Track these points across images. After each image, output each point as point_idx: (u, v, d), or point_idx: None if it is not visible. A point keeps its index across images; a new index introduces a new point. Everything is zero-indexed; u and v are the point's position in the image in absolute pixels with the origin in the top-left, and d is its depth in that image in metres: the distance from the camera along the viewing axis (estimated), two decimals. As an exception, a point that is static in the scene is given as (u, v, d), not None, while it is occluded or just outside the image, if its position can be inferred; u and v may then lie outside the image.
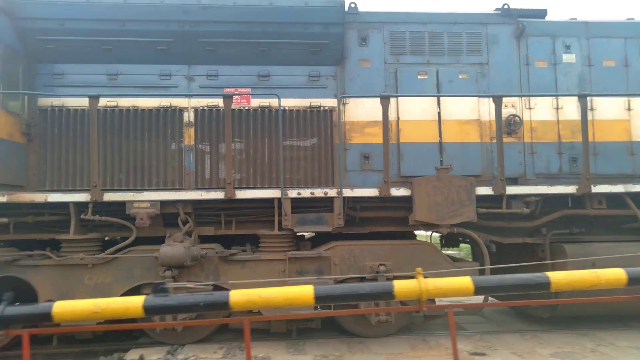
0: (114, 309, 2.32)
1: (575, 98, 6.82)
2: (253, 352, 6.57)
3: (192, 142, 6.52)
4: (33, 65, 6.93)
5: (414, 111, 6.84)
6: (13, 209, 6.37)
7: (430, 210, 6.32)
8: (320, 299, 3.15)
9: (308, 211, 6.57)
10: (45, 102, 6.69)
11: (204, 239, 7.09)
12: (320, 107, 6.94)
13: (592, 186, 6.65)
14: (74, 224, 6.54)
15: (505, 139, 6.85)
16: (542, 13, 7.99)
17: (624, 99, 7.43)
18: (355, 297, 3.32)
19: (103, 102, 6.69)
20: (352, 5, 7.24)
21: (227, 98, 6.19)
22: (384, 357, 6.27)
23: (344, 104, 7.05)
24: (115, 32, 6.79)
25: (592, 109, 7.14)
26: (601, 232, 7.15)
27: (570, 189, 6.71)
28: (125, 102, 6.84)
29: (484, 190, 6.58)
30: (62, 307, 2.38)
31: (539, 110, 7.25)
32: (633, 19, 7.88)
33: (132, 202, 6.43)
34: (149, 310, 2.46)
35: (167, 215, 6.74)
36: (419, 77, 7.16)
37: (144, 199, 6.38)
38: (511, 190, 6.59)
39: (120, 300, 2.46)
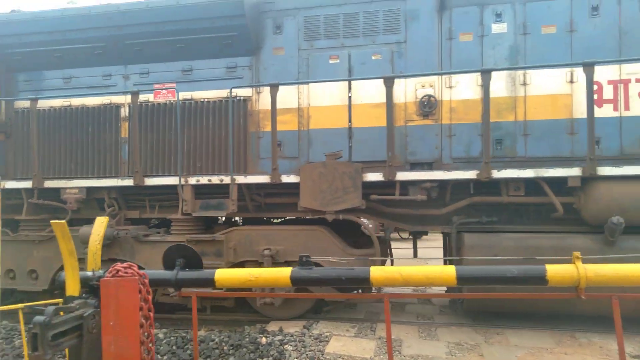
0: (266, 278, 2.62)
1: (506, 73, 6.48)
2: (383, 334, 6.37)
3: (127, 135, 7.40)
4: (10, 75, 7.92)
5: (324, 97, 6.92)
6: None
7: (315, 196, 6.42)
8: (463, 280, 3.11)
9: (226, 197, 7.05)
10: (19, 104, 7.68)
11: (136, 222, 7.52)
12: (236, 97, 7.19)
13: (495, 171, 6.20)
14: (25, 207, 7.52)
15: (421, 121, 6.62)
16: None
17: (566, 70, 6.48)
18: (501, 280, 3.15)
19: (59, 102, 7.59)
20: None
21: (134, 94, 6.68)
22: (525, 352, 5.70)
23: (259, 92, 7.23)
24: (62, 42, 7.61)
25: (524, 84, 6.50)
26: (535, 222, 6.57)
27: (470, 174, 6.23)
28: (76, 102, 7.65)
29: (374, 177, 6.48)
30: (223, 274, 2.72)
31: (461, 89, 6.74)
32: None
33: (65, 188, 7.24)
34: (295, 281, 2.69)
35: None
36: (331, 61, 7.05)
37: (73, 186, 7.22)
38: (403, 176, 6.36)
39: (272, 270, 2.79)
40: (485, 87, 5.89)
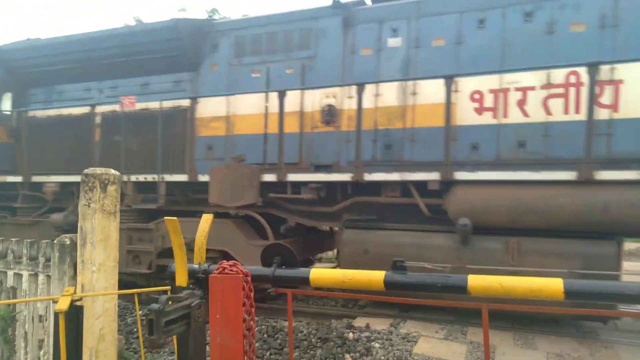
0: (359, 280, 2.57)
1: (398, 84, 6.84)
2: (475, 339, 5.93)
3: (99, 139, 9.36)
4: (23, 90, 10.21)
5: (245, 106, 7.89)
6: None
7: (220, 194, 7.52)
8: (571, 295, 2.71)
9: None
10: (29, 113, 9.89)
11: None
12: (179, 107, 8.50)
13: (367, 174, 6.73)
14: (20, 196, 9.40)
15: (324, 128, 7.29)
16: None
17: (450, 81, 6.81)
18: (619, 297, 2.80)
19: (55, 112, 9.37)
20: (209, 17, 10.24)
21: (92, 106, 8.89)
22: (643, 371, 8.20)
23: (196, 103, 8.40)
24: (54, 63, 9.58)
25: (414, 93, 6.73)
26: (415, 220, 6.88)
27: (346, 177, 6.84)
28: (64, 112, 9.38)
29: (269, 177, 7.37)
30: (317, 274, 2.72)
31: (357, 99, 7.47)
32: None
33: (45, 183, 9.00)
34: (388, 285, 2.59)
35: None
36: (253, 75, 8.16)
37: (50, 180, 8.96)
38: (293, 177, 7.18)
39: (365, 273, 2.66)
40: (359, 98, 6.54)
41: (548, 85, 5.89)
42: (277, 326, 6.59)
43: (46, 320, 3.67)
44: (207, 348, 3.28)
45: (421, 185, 6.32)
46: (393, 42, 7.17)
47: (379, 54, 7.39)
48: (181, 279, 2.92)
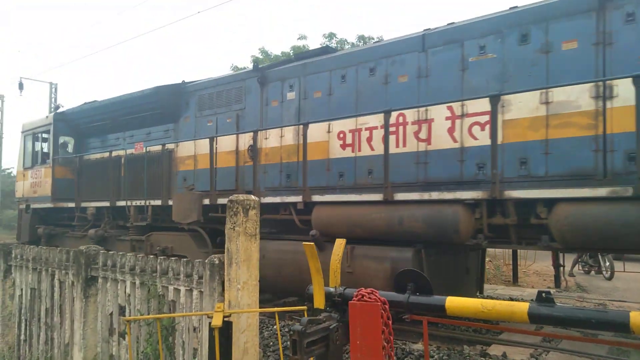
0: (499, 311, 2.70)
1: (293, 127, 8.25)
2: None
3: (124, 174, 10.89)
4: (82, 139, 12.69)
5: (202, 147, 9.52)
6: (59, 210, 12.18)
7: (177, 214, 9.06)
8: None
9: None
10: (84, 157, 12.01)
11: (121, 227, 11.20)
12: (166, 149, 10.15)
13: (267, 198, 8.16)
14: (75, 217, 11.88)
15: (250, 163, 8.80)
16: (280, 64, 9.74)
17: (326, 124, 7.85)
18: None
19: (97, 155, 11.77)
20: (183, 81, 10.69)
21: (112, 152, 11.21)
22: None
23: (177, 145, 10.23)
24: (96, 120, 12.02)
25: (305, 135, 7.86)
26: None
27: (224, 201, 8.40)
28: (101, 155, 11.68)
29: (206, 201, 8.96)
30: (454, 303, 2.85)
31: (271, 139, 8.72)
32: (337, 48, 9.54)
33: (87, 207, 11.43)
34: (533, 318, 2.70)
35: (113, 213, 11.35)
36: (208, 124, 10.05)
37: (91, 205, 11.36)
38: (221, 201, 8.69)
39: (506, 304, 2.81)
40: (254, 139, 8.48)
41: (384, 125, 6.84)
42: (406, 349, 6.14)
43: (199, 331, 3.78)
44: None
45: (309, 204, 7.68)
46: (290, 95, 8.87)
47: (282, 104, 8.98)
48: (319, 302, 3.02)
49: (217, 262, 3.96)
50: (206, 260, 4.03)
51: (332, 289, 3.10)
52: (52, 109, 18.96)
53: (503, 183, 5.97)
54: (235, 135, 9.33)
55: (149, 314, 4.24)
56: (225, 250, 3.84)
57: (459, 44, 6.72)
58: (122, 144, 11.87)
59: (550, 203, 5.62)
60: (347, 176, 7.68)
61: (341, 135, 7.79)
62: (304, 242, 3.08)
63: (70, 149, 12.72)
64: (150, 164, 10.59)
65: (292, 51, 22.58)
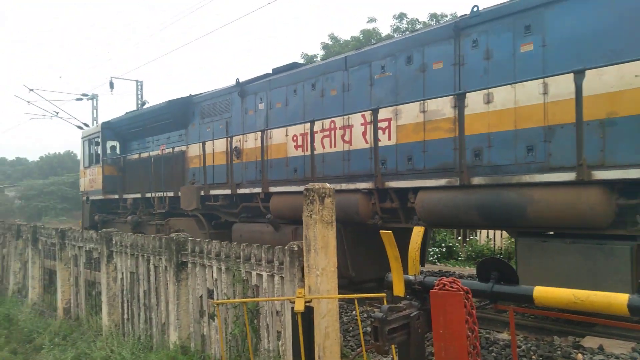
0: (593, 301, 2.71)
1: (260, 132, 10.44)
2: None
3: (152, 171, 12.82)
4: (125, 143, 15.20)
5: (207, 149, 11.94)
6: (109, 201, 14.20)
7: (184, 202, 11.53)
8: None
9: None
10: (127, 157, 14.05)
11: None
12: (181, 150, 12.56)
13: (242, 189, 10.67)
14: (120, 206, 14.33)
15: (237, 161, 11.19)
16: (254, 80, 11.69)
17: (284, 129, 9.89)
18: None
19: (134, 156, 14.06)
20: (190, 94, 13.54)
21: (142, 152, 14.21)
22: None
23: (187, 147, 12.76)
24: (133, 127, 14.36)
25: (270, 138, 10.50)
26: None
27: (227, 191, 11.30)
28: (135, 156, 13.97)
29: (202, 192, 11.68)
30: (543, 292, 2.85)
31: (249, 142, 10.85)
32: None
33: (127, 198, 13.99)
34: (634, 310, 2.62)
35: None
36: (207, 130, 12.69)
37: (129, 197, 14.06)
38: (213, 192, 11.39)
39: (600, 294, 2.73)
40: (230, 148, 11.17)
41: (322, 130, 8.65)
42: (491, 338, 5.78)
43: (282, 315, 3.72)
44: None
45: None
46: (260, 106, 10.97)
47: (256, 113, 11.09)
48: (398, 289, 3.14)
49: (296, 249, 4.01)
50: (286, 247, 4.12)
51: (411, 277, 3.05)
52: (139, 105, 19.68)
53: (394, 175, 7.39)
54: (225, 139, 11.18)
55: (234, 298, 4.48)
56: (304, 237, 3.88)
57: (368, 64, 8.09)
58: (152, 147, 13.90)
59: (416, 191, 6.77)
60: (299, 171, 9.25)
61: (294, 138, 9.41)
62: (381, 231, 3.07)
63: (117, 151, 14.91)
64: (168, 163, 12.64)
65: (361, 35, 22.23)
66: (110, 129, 15.19)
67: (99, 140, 15.10)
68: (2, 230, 9.22)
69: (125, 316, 5.08)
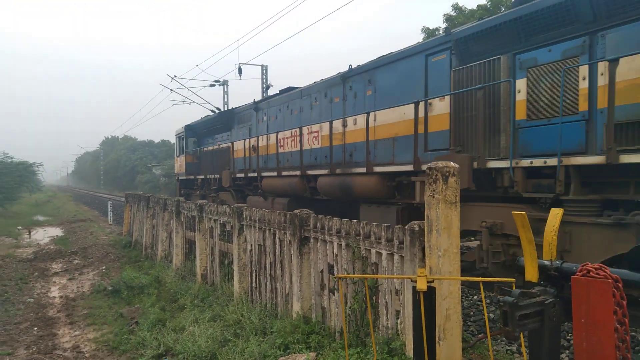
0: None
1: (265, 136, 14.43)
2: None
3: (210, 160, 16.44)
4: (201, 139, 20.19)
5: (237, 147, 16.02)
6: (190, 180, 19.63)
7: (224, 181, 16.04)
8: None
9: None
10: (203, 149, 18.36)
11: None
12: (228, 146, 15.37)
13: (236, 174, 16.22)
14: (195, 184, 19.59)
15: (254, 154, 14.75)
16: (263, 100, 15.91)
17: (274, 134, 13.43)
18: None
19: (208, 148, 18.42)
20: (233, 107, 17.30)
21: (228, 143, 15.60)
22: None
23: (232, 144, 15.63)
24: (205, 127, 18.66)
25: (268, 139, 14.57)
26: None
27: (254, 174, 15.10)
28: (210, 148, 17.74)
29: (232, 175, 16.42)
30: None
31: (258, 142, 14.67)
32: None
33: (199, 178, 19.44)
34: None
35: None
36: (240, 133, 16.24)
37: (199, 177, 19.09)
38: (238, 174, 15.91)
39: None
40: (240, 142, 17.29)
41: (292, 136, 11.75)
42: (637, 337, 5.14)
43: (401, 294, 3.67)
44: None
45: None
46: (264, 118, 14.22)
47: (263, 123, 14.17)
48: (531, 275, 2.91)
49: (417, 228, 3.90)
50: (406, 227, 4.08)
51: (546, 262, 2.80)
52: (264, 89, 22.83)
53: (312, 166, 11.13)
54: (243, 140, 15.22)
55: (354, 274, 4.58)
56: (425, 217, 3.76)
57: (309, 95, 11.51)
58: (215, 142, 17.38)
59: (317, 177, 9.90)
60: (282, 163, 12.06)
61: (280, 141, 12.16)
62: (513, 212, 2.85)
63: (198, 145, 19.11)
64: (220, 154, 16.25)
65: (489, 3, 20.58)
66: (190, 129, 19.72)
67: (184, 137, 19.74)
68: (153, 203, 10.53)
69: (254, 285, 5.48)
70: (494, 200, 6.62)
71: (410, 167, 7.49)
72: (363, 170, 8.62)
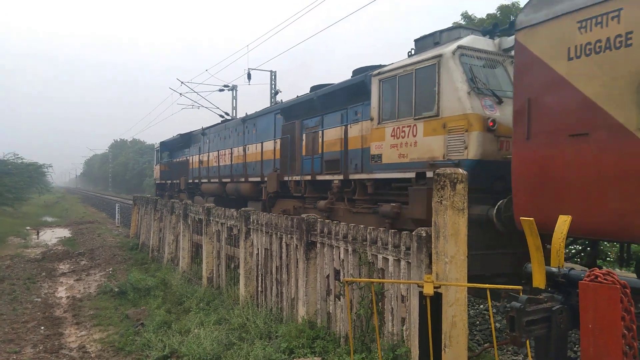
0: None
1: (243, 146, 15.91)
2: None
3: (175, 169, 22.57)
4: (172, 153, 24.00)
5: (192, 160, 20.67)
6: (163, 184, 24.03)
7: (181, 186, 20.80)
8: None
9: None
10: (171, 161, 23.83)
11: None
12: (186, 159, 19.25)
13: (249, 178, 15.82)
14: (166, 187, 24.24)
15: (197, 166, 19.61)
16: (212, 126, 19.40)
17: (229, 149, 17.02)
18: None
19: (174, 160, 23.13)
20: (190, 130, 21.29)
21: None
22: None
23: (188, 158, 18.98)
24: (175, 144, 23.59)
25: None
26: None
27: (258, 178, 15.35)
28: (175, 160, 23.44)
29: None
30: None
31: (204, 158, 18.52)
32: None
33: (168, 183, 24.29)
34: None
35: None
36: (194, 151, 19.91)
37: (168, 182, 23.55)
38: (189, 180, 21.01)
39: None
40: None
41: (217, 156, 16.28)
42: None
43: (407, 300, 3.60)
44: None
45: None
46: (207, 141, 18.11)
47: (207, 144, 17.75)
48: (539, 281, 2.89)
49: (424, 234, 3.89)
50: (413, 233, 4.09)
51: (554, 269, 2.80)
52: (273, 94, 23.60)
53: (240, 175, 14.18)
54: (189, 157, 19.59)
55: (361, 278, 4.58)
56: (433, 223, 3.76)
57: (229, 128, 15.89)
58: (181, 156, 20.96)
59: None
60: (212, 173, 16.04)
61: (213, 158, 16.46)
62: (521, 218, 2.85)
63: (170, 157, 23.07)
64: (182, 165, 20.64)
65: (499, 12, 20.59)
66: (164, 145, 23.63)
67: (159, 150, 24.30)
68: (161, 206, 10.61)
69: (259, 289, 5.48)
70: (289, 197, 11.24)
71: (259, 179, 12.38)
72: (243, 179, 13.18)
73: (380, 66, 8.09)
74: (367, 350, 3.61)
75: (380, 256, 3.69)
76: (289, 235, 4.71)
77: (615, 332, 2.14)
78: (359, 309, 3.76)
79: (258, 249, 5.45)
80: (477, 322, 5.19)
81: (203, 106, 24.63)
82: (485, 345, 4.26)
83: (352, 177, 8.22)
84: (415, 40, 7.75)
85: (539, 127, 4.85)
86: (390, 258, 3.61)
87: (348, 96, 8.72)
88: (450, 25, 17.30)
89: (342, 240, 3.97)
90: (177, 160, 21.43)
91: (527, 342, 2.57)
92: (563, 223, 2.69)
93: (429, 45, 7.29)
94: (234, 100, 24.40)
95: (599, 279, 2.26)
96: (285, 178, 10.70)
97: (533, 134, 4.88)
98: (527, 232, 2.62)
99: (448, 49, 6.35)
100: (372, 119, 7.64)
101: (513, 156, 5.09)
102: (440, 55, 6.38)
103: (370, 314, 3.61)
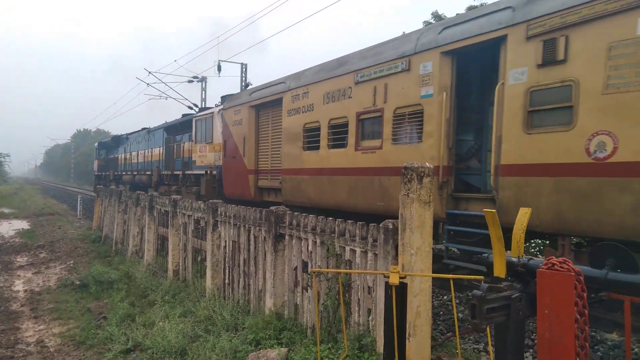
0: None
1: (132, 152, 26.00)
2: None
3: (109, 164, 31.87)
4: (109, 150, 31.73)
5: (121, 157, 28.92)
6: (100, 176, 31.38)
7: (110, 176, 29.49)
8: None
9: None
10: (106, 157, 32.60)
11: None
12: (116, 157, 28.02)
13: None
14: (102, 178, 31.25)
15: (126, 162, 27.91)
16: (134, 132, 26.41)
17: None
18: None
19: (110, 156, 31.37)
20: (119, 134, 29.09)
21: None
22: None
23: (117, 156, 29.83)
24: (110, 145, 31.72)
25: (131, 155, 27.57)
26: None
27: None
28: (110, 156, 33.26)
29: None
30: None
31: (132, 156, 26.33)
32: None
33: (103, 174, 31.87)
34: None
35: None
36: (120, 151, 29.36)
37: (105, 173, 32.67)
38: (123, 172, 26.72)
39: None
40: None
41: (133, 155, 25.16)
42: (597, 336, 5.14)
43: (374, 291, 3.66)
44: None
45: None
46: (129, 143, 25.68)
47: (129, 146, 24.90)
48: (499, 271, 3.01)
49: (391, 227, 3.97)
50: (380, 225, 4.16)
51: (514, 259, 2.92)
52: (243, 87, 23.04)
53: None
54: (121, 154, 26.09)
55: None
56: (399, 215, 3.86)
57: (148, 134, 22.00)
58: (122, 153, 24.67)
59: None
60: (129, 167, 20.85)
61: (132, 157, 22.93)
62: (484, 210, 2.94)
63: (106, 154, 27.61)
64: (113, 161, 25.93)
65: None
66: (102, 144, 28.71)
67: (98, 148, 29.07)
68: (125, 198, 10.29)
69: (227, 281, 5.43)
70: (165, 184, 15.70)
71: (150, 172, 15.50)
72: (143, 172, 18.67)
73: (196, 114, 15.16)
74: (333, 341, 3.64)
75: (348, 248, 3.71)
76: (257, 228, 4.69)
77: (569, 317, 2.25)
78: (326, 300, 3.78)
79: (226, 241, 5.39)
80: (441, 313, 5.30)
81: (171, 97, 24.15)
82: (448, 334, 4.37)
83: (187, 172, 14.65)
84: (222, 97, 13.97)
85: (226, 152, 12.15)
86: (358, 250, 3.65)
87: (187, 126, 15.06)
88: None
89: (311, 232, 3.98)
90: (111, 156, 26.50)
91: (488, 329, 2.64)
92: (523, 215, 2.79)
93: (224, 100, 13.82)
94: (203, 92, 23.97)
95: (555, 266, 2.35)
96: (163, 172, 16.23)
97: (225, 154, 12.07)
98: (490, 223, 2.70)
99: (217, 109, 13.48)
100: (192, 141, 13.60)
101: (223, 163, 11.26)
102: (212, 113, 13.21)
103: (337, 304, 3.63)
